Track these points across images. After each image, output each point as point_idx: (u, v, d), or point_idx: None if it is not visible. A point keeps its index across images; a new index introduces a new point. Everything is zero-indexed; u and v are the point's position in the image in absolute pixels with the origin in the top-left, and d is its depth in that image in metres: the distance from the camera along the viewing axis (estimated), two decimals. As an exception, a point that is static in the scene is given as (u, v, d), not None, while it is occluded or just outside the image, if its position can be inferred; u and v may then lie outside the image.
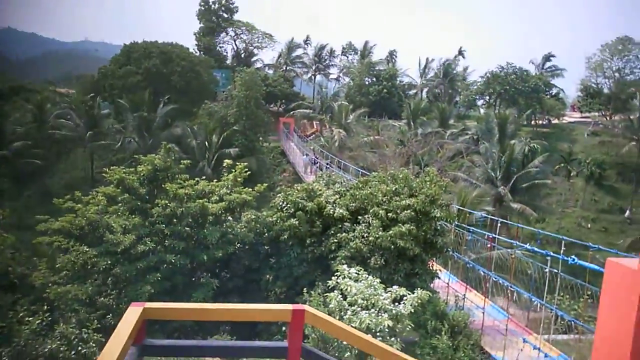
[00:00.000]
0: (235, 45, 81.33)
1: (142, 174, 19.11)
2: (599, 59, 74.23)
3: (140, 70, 53.07)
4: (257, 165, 40.83)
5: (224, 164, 21.89)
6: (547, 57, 78.43)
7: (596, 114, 71.05)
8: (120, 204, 19.11)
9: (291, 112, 61.76)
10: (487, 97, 73.40)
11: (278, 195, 19.84)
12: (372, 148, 47.39)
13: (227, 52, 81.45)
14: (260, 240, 18.36)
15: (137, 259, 16.93)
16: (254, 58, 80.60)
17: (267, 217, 18.50)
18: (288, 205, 18.33)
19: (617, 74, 74.04)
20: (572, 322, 16.02)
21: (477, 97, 75.11)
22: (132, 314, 2.62)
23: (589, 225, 49.76)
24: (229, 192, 19.63)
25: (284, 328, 14.16)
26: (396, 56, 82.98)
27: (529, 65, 75.95)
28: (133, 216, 18.41)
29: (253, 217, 18.64)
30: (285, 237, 17.61)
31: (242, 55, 79.78)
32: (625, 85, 68.78)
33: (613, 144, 59.31)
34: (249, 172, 21.19)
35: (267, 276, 17.54)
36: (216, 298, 16.72)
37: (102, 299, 16.23)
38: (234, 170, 20.70)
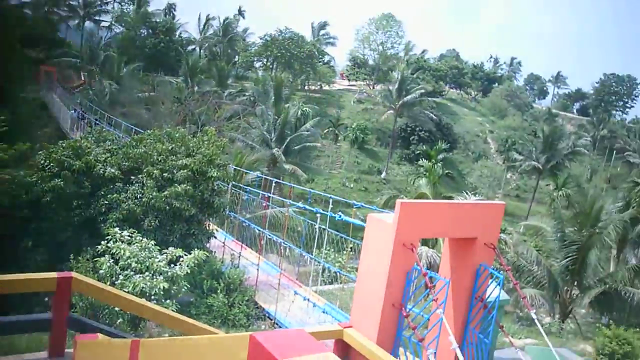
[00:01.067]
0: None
1: None
2: (367, 32, 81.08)
3: None
4: (13, 119, 35.83)
5: (-31, 116, 18.84)
6: (322, 25, 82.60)
7: (362, 83, 77.99)
8: None
9: (54, 60, 55.30)
10: (265, 60, 75.12)
11: (39, 153, 17.79)
12: (146, 105, 45.24)
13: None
14: (16, 203, 16.32)
15: None
16: (7, -6, 69.65)
17: (26, 177, 16.48)
18: (51, 164, 16.58)
19: (380, 47, 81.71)
20: (337, 273, 17.72)
21: (256, 59, 76.38)
22: None
23: (352, 185, 54.81)
24: (-25, 148, 16.99)
25: (46, 299, 12.99)
26: (175, 9, 79.67)
27: (308, 31, 79.47)
28: None
29: (7, 177, 16.44)
30: (48, 199, 15.94)
31: (-9, -11, 68.41)
32: (387, 58, 76.66)
33: (375, 111, 66.09)
34: (4, 127, 18.60)
35: (26, 243, 15.72)
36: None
37: None
38: (-17, 124, 17.95)
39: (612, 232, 31.48)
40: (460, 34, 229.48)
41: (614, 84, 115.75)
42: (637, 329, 15.06)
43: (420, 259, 26.18)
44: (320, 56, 76.05)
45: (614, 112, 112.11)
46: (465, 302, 9.27)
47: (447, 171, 47.00)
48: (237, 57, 77.68)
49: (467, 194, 38.96)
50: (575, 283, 26.99)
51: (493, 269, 9.46)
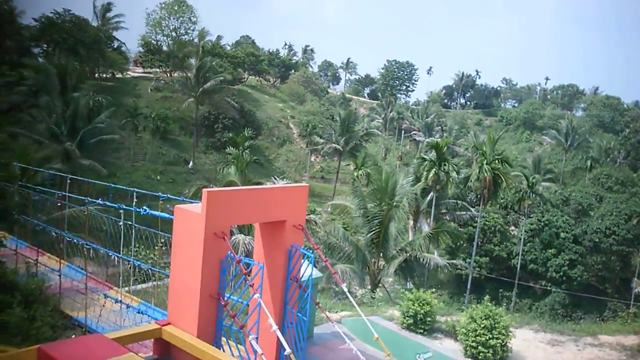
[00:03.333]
0: None
1: None
2: (158, 17, 77.66)
3: None
4: None
5: None
6: (107, 8, 76.16)
7: (157, 70, 74.68)
8: None
9: None
10: (45, 45, 67.62)
11: None
12: None
13: None
14: None
15: None
16: None
17: None
18: None
19: (174, 33, 79.02)
20: (150, 270, 16.97)
21: (33, 44, 68.31)
22: None
23: (158, 177, 52.84)
24: None
25: None
26: None
27: (90, 15, 73.15)
28: None
29: None
30: None
31: None
32: (182, 44, 74.51)
33: (174, 99, 64.11)
34: None
35: None
36: None
37: None
38: None
39: (407, 204, 35.22)
40: (253, 21, 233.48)
41: (396, 69, 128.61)
42: (434, 290, 17.19)
43: (237, 247, 26.43)
44: (108, 41, 70.83)
45: (399, 95, 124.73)
46: (282, 284, 9.64)
47: (254, 158, 47.67)
48: (7, 41, 68.33)
49: (275, 179, 40.12)
50: (381, 255, 29.52)
51: (304, 249, 9.95)
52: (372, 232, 29.31)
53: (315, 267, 12.65)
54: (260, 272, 8.73)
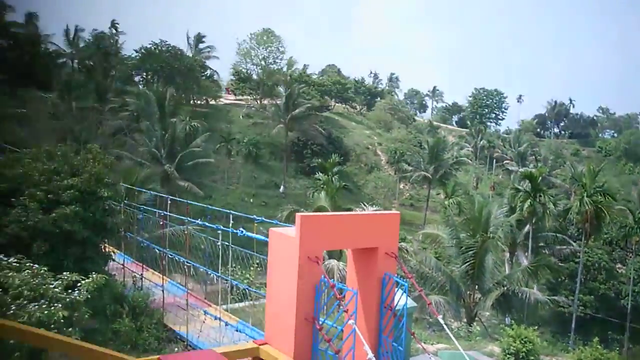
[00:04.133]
0: None
1: None
2: (248, 47, 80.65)
3: None
4: None
5: None
6: (199, 39, 79.89)
7: (248, 97, 77.28)
8: None
9: None
10: (145, 74, 71.97)
11: None
12: (19, 121, 41.34)
13: None
14: None
15: None
16: None
17: None
18: None
19: (263, 62, 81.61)
20: (246, 290, 17.07)
21: (134, 73, 72.94)
22: None
23: (251, 200, 54.19)
24: None
25: None
26: (37, 19, 73.65)
27: (183, 46, 76.88)
28: None
29: None
30: None
31: None
32: (271, 73, 76.86)
33: (264, 126, 65.89)
34: None
35: None
36: None
37: None
38: None
39: (502, 235, 33.58)
40: (338, 50, 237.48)
41: (484, 97, 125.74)
42: (535, 327, 16.07)
43: (332, 272, 25.98)
44: (202, 70, 74.24)
45: (488, 123, 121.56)
46: (376, 312, 9.19)
47: (343, 183, 47.77)
48: (113, 71, 73.46)
49: (364, 205, 39.73)
50: (477, 287, 28.21)
51: (397, 277, 9.45)
52: (467, 264, 28.24)
53: (408, 296, 12.17)
54: (354, 298, 8.48)
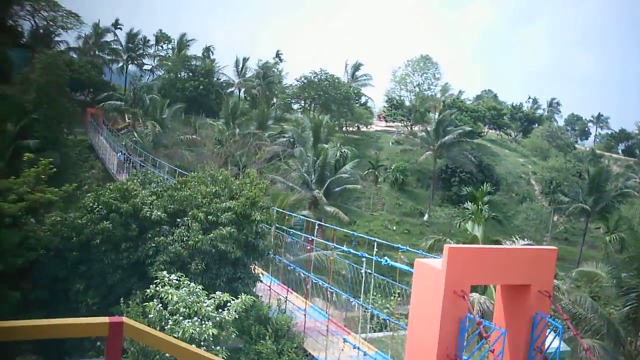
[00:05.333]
0: (34, 21, 72.63)
1: None
2: (403, 73, 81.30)
3: None
4: (62, 161, 36.77)
5: (24, 158, 19.39)
6: (357, 67, 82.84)
7: (399, 124, 77.87)
8: None
9: (100, 103, 57.03)
10: (302, 102, 75.92)
11: (88, 195, 17.98)
12: (189, 146, 45.98)
13: (22, 29, 72.05)
14: (68, 245, 16.40)
15: None
16: (57, 39, 72.71)
17: (76, 219, 16.59)
18: (100, 207, 16.68)
19: (417, 89, 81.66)
20: (386, 320, 17.11)
21: (293, 101, 77.29)
22: None
23: (394, 228, 53.90)
24: (30, 190, 17.26)
25: (98, 343, 12.80)
26: (213, 52, 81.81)
27: (340, 72, 79.92)
28: None
29: (59, 219, 16.58)
30: (98, 241, 15.95)
31: (42, 35, 71.48)
32: (424, 99, 76.64)
33: (413, 152, 65.66)
34: (54, 169, 18.99)
35: (77, 286, 15.68)
36: (17, 314, 14.47)
37: None
38: (35, 166, 18.35)
39: None
40: (496, 74, 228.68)
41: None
42: None
43: (472, 305, 24.87)
44: (357, 97, 76.37)
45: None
46: (523, 354, 8.66)
47: (492, 214, 45.64)
48: (275, 99, 78.79)
49: (515, 238, 37.76)
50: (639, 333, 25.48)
51: (550, 319, 8.84)
52: (628, 306, 25.52)
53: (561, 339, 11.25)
54: (502, 337, 8.07)
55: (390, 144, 70.42)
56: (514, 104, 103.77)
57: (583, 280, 33.87)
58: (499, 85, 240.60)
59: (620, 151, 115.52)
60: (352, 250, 18.38)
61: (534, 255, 9.26)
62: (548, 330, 8.91)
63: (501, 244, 28.51)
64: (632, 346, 25.53)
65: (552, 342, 8.88)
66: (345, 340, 15.93)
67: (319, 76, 71.04)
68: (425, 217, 57.96)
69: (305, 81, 71.32)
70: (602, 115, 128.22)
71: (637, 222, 62.85)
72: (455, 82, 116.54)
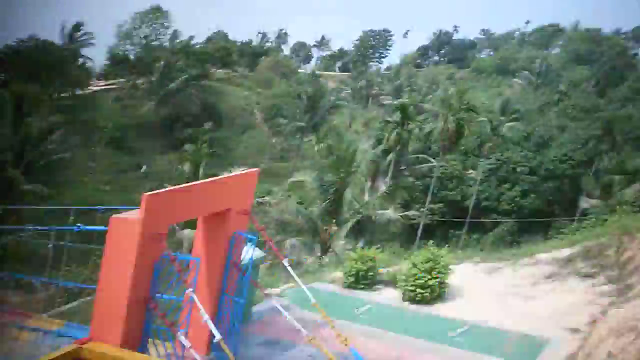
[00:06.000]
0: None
1: None
2: (129, 27, 77.30)
3: None
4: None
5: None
6: (77, 28, 73.99)
7: (122, 80, 73.52)
8: None
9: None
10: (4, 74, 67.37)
11: None
12: None
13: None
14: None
15: None
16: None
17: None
18: None
19: (144, 40, 78.47)
20: (77, 287, 16.32)
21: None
22: None
23: (107, 188, 51.20)
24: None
25: None
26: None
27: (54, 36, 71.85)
28: None
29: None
30: None
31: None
32: (150, 50, 73.91)
33: (134, 107, 63.23)
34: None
35: None
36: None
37: None
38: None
39: (365, 167, 35.05)
40: (228, 15, 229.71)
41: (371, 38, 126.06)
42: (384, 243, 16.74)
43: (182, 242, 25.31)
44: (73, 60, 69.63)
45: (371, 63, 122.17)
46: (219, 272, 9.29)
47: (212, 150, 46.91)
48: None
49: (231, 168, 40.32)
50: (334, 221, 29.69)
51: (249, 233, 9.67)
52: (327, 201, 29.46)
53: (258, 248, 12.18)
54: (196, 266, 8.33)
55: (111, 102, 66.38)
56: (243, 41, 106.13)
57: (295, 189, 37.29)
58: (231, 26, 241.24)
59: (337, 69, 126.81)
60: (39, 228, 16.83)
61: (233, 182, 9.86)
62: (246, 244, 9.70)
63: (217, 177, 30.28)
64: (327, 232, 29.98)
65: (247, 254, 9.67)
66: (21, 327, 13.26)
67: (26, 43, 62.77)
68: (143, 168, 55.91)
69: (9, 51, 62.97)
70: (324, 38, 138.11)
71: (345, 128, 70.46)
72: (188, 28, 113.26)
